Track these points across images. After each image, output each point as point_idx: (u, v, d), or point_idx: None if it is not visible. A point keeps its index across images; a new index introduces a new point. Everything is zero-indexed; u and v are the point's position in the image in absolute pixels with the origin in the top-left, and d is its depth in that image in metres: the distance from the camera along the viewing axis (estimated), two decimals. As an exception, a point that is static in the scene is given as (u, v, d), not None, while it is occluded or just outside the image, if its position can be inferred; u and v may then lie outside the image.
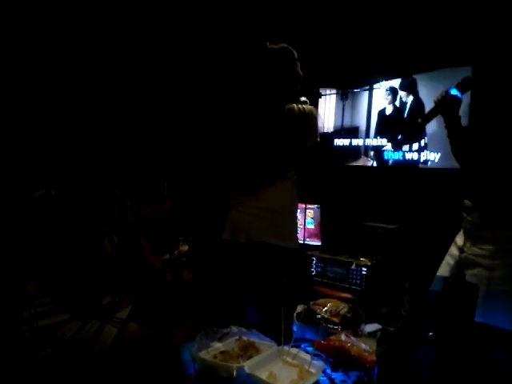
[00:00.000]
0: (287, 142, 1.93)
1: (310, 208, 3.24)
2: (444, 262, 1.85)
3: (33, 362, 1.44)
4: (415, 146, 3.05)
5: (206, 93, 2.86)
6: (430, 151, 2.98)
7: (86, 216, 1.54)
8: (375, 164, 3.29)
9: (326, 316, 1.74)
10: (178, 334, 1.49)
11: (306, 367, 1.26)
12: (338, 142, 3.47)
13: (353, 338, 1.55)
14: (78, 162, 1.54)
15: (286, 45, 1.93)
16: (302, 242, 3.26)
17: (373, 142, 3.27)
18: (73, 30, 2.50)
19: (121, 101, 2.74)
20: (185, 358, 1.34)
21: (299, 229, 3.28)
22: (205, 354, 1.31)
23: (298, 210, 3.24)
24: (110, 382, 1.44)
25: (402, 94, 3.12)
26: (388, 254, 2.90)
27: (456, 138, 1.79)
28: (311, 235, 3.26)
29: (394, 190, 3.17)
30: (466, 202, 1.76)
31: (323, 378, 1.32)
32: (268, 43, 1.93)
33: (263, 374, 1.23)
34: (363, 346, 1.47)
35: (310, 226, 3.25)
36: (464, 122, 1.81)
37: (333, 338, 1.54)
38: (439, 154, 2.93)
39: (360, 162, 3.37)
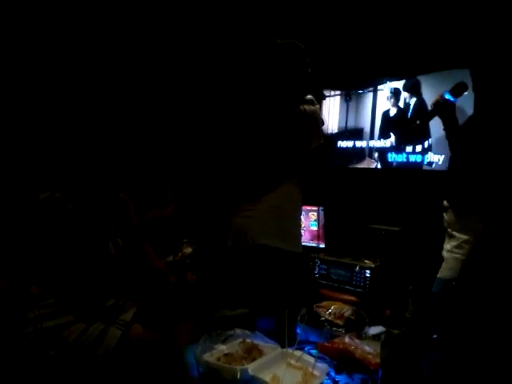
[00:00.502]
0: (291, 145, 1.92)
1: (313, 210, 3.23)
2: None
3: (37, 364, 1.44)
4: (419, 147, 3.05)
5: (211, 95, 2.85)
6: (434, 153, 2.97)
7: (90, 218, 1.55)
8: (379, 166, 3.29)
9: (329, 318, 1.74)
10: (182, 337, 1.49)
11: (310, 370, 1.26)
12: (342, 143, 3.46)
13: (357, 340, 1.54)
14: (83, 164, 1.55)
15: (293, 40, 1.90)
16: (305, 244, 3.25)
17: (377, 143, 3.26)
18: (76, 33, 2.51)
19: (125, 104, 2.75)
20: (189, 361, 1.35)
21: (303, 231, 3.28)
22: (208, 357, 1.31)
23: (302, 212, 3.26)
24: (114, 384, 1.44)
25: (405, 95, 3.12)
26: (392, 256, 2.89)
27: (452, 140, 1.86)
28: (315, 237, 3.25)
29: (398, 192, 3.16)
30: (444, 202, 1.86)
31: (327, 381, 1.32)
32: (277, 39, 1.90)
33: (267, 377, 1.23)
34: (367, 348, 1.47)
35: (314, 228, 3.24)
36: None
37: (337, 340, 1.54)
38: (443, 156, 2.92)
39: (364, 164, 3.37)
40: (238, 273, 1.92)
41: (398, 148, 3.16)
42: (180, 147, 3.01)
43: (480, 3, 2.62)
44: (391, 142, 3.19)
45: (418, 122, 1.90)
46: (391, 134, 3.20)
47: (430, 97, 2.97)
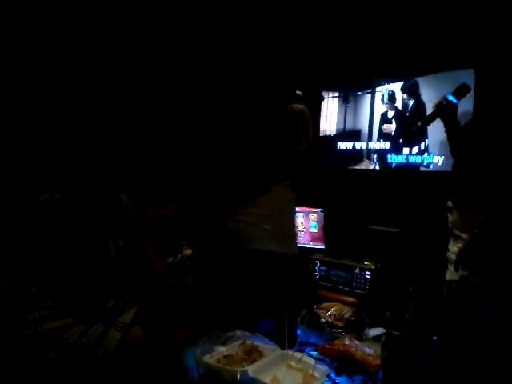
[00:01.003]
0: (280, 145, 1.89)
1: (313, 212, 3.23)
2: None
3: (36, 366, 1.44)
4: (415, 149, 3.05)
5: (203, 96, 2.83)
6: (433, 154, 2.98)
7: (90, 219, 1.54)
8: (378, 167, 3.29)
9: (330, 320, 1.74)
10: (182, 338, 1.48)
11: (311, 371, 1.25)
12: (341, 145, 3.46)
13: (357, 342, 1.54)
14: (82, 165, 1.55)
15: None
16: (305, 245, 3.25)
17: (375, 145, 3.27)
18: (76, 34, 2.51)
19: (124, 104, 2.75)
20: (189, 363, 1.34)
21: (302, 232, 3.28)
22: (208, 358, 1.31)
23: (302, 214, 3.26)
24: (113, 387, 1.44)
25: (404, 96, 3.12)
26: (392, 257, 2.89)
27: (454, 141, 1.85)
28: (314, 239, 3.25)
29: (398, 194, 3.16)
30: (448, 202, 1.84)
31: (327, 383, 1.32)
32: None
33: (267, 379, 1.23)
34: (367, 350, 1.47)
35: (314, 230, 3.24)
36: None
37: (337, 342, 1.54)
38: (442, 157, 2.92)
39: (363, 166, 3.37)
40: (237, 275, 1.91)
41: (397, 149, 3.16)
42: (174, 148, 3.00)
43: (480, 4, 2.63)
44: (390, 144, 3.19)
45: (419, 124, 1.88)
46: (388, 136, 3.21)
47: (428, 98, 2.97)
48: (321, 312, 1.79)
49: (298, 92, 1.96)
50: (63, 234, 1.44)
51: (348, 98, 3.42)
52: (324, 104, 3.52)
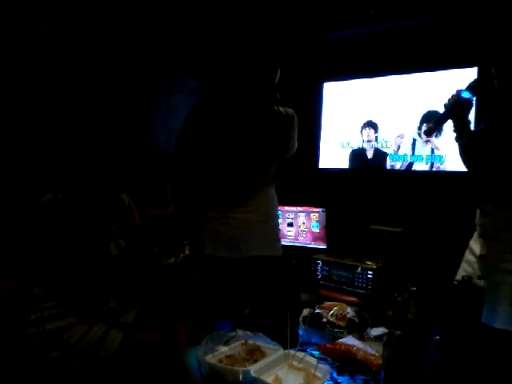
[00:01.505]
0: (273, 148, 1.87)
1: (315, 211, 3.23)
2: (461, 268, 1.82)
3: (39, 366, 1.45)
4: (419, 151, 3.05)
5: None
6: (437, 155, 2.98)
7: (92, 220, 1.55)
8: (380, 167, 3.29)
9: (331, 320, 1.74)
10: (184, 338, 1.49)
11: (312, 371, 1.25)
12: (343, 144, 3.46)
13: (359, 341, 1.54)
14: (84, 166, 1.55)
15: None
16: (307, 245, 3.26)
17: (378, 144, 3.27)
18: (77, 35, 2.52)
19: (124, 106, 2.76)
20: (191, 362, 1.35)
21: (304, 232, 3.28)
22: (211, 358, 1.31)
23: (303, 214, 3.26)
24: (116, 386, 1.44)
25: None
26: (394, 257, 2.89)
27: (465, 141, 1.75)
28: (316, 239, 3.25)
29: (400, 193, 3.17)
30: (486, 205, 1.70)
31: (329, 382, 1.32)
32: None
33: (269, 378, 1.23)
34: (369, 349, 1.47)
35: (315, 230, 3.24)
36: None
37: (339, 341, 1.54)
38: (446, 157, 2.92)
39: (365, 165, 3.37)
40: (233, 278, 1.89)
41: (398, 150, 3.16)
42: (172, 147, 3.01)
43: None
44: (391, 145, 3.19)
45: (430, 125, 1.76)
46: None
47: (427, 95, 2.97)
48: (323, 312, 1.79)
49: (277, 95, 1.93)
50: (65, 235, 1.44)
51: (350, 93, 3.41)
52: (326, 100, 3.51)
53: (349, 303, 1.97)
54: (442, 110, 1.76)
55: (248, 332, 1.47)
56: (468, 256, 1.80)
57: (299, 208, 3.25)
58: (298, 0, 3.32)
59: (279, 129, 1.87)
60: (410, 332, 1.24)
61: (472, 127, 1.79)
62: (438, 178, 3.00)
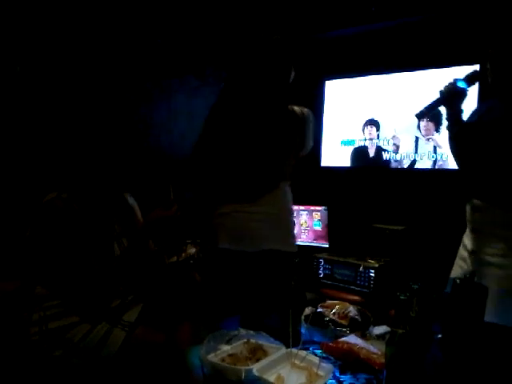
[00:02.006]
0: (290, 146, 1.89)
1: (317, 210, 3.23)
2: (455, 264, 1.83)
3: (42, 365, 1.45)
4: (425, 148, 3.05)
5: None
6: (439, 153, 2.98)
7: (95, 219, 1.55)
8: (382, 165, 3.28)
9: (334, 318, 1.73)
10: (187, 337, 1.49)
11: (315, 370, 1.25)
12: (345, 142, 3.45)
13: (361, 340, 1.54)
14: (88, 165, 1.55)
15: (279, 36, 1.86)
16: (309, 244, 3.26)
17: (380, 142, 3.26)
18: (78, 35, 2.52)
19: (125, 105, 2.76)
20: (193, 361, 1.35)
21: (306, 231, 3.28)
22: (213, 357, 1.31)
23: (306, 212, 3.26)
24: (118, 386, 1.45)
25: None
26: (396, 255, 2.89)
27: (455, 130, 1.77)
28: (318, 237, 3.25)
29: (402, 192, 3.16)
30: (476, 201, 1.71)
31: (332, 381, 1.32)
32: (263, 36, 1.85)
33: (272, 377, 1.23)
34: (372, 348, 1.47)
35: (318, 228, 3.24)
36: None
37: (341, 340, 1.53)
38: (447, 155, 2.92)
39: (367, 163, 3.36)
40: (242, 274, 1.90)
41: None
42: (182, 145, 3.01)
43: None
44: (398, 143, 3.18)
45: (423, 109, 1.78)
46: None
47: (427, 93, 2.97)
48: (325, 310, 1.79)
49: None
50: (69, 234, 1.45)
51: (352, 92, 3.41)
52: (327, 98, 3.51)
53: (351, 302, 1.97)
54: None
55: (250, 331, 1.47)
56: (461, 251, 1.81)
57: (301, 206, 3.25)
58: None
59: (294, 127, 1.88)
60: (413, 330, 1.24)
61: (465, 118, 1.79)
62: (440, 176, 2.99)
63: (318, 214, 3.23)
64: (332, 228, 3.19)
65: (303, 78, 3.46)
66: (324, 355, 1.39)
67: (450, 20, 2.88)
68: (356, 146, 3.38)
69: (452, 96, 1.73)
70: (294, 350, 1.33)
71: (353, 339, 1.54)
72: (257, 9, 3.33)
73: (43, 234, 1.47)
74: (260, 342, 1.41)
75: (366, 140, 3.33)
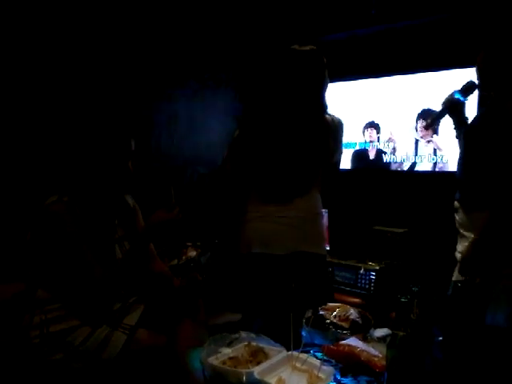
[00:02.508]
0: (324, 152, 1.91)
1: (317, 212, 3.22)
2: (457, 267, 1.84)
3: (42, 368, 1.45)
4: (423, 151, 3.05)
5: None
6: (439, 155, 2.98)
7: (97, 222, 1.55)
8: (383, 167, 3.28)
9: (335, 321, 1.74)
10: (188, 340, 1.49)
11: (316, 373, 1.25)
12: (346, 144, 3.45)
13: (362, 342, 1.54)
14: (89, 167, 1.55)
15: (313, 46, 1.90)
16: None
17: (380, 145, 3.26)
18: (79, 35, 2.53)
19: (126, 108, 2.76)
20: (194, 364, 1.35)
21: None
22: (214, 360, 1.31)
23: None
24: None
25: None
26: (397, 258, 2.89)
27: (461, 138, 1.84)
28: (319, 240, 3.24)
29: (403, 194, 3.16)
30: (455, 203, 1.82)
31: (333, 384, 1.32)
32: (296, 46, 1.87)
33: (272, 380, 1.23)
34: (373, 350, 1.47)
35: (318, 231, 3.24)
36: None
37: (342, 343, 1.53)
38: (449, 157, 2.92)
39: (367, 166, 3.36)
40: (272, 277, 1.87)
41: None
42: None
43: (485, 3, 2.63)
44: (393, 145, 3.18)
45: (428, 121, 1.95)
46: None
47: (431, 95, 2.97)
48: (326, 313, 1.79)
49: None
50: (70, 237, 1.45)
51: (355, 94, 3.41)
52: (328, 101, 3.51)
53: (352, 304, 1.97)
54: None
55: (251, 334, 1.47)
56: (456, 253, 1.83)
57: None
58: (298, 1, 3.33)
59: (328, 136, 1.90)
60: (414, 333, 1.24)
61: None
62: (441, 178, 2.99)
63: (319, 216, 3.22)
64: (333, 230, 3.19)
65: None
66: (325, 358, 1.39)
67: (449, 23, 2.89)
68: (356, 148, 3.38)
69: (452, 107, 1.86)
70: (295, 353, 1.33)
71: (354, 342, 1.54)
72: (257, 12, 3.34)
73: (44, 238, 1.48)
74: (261, 344, 1.41)
75: (366, 142, 3.33)
